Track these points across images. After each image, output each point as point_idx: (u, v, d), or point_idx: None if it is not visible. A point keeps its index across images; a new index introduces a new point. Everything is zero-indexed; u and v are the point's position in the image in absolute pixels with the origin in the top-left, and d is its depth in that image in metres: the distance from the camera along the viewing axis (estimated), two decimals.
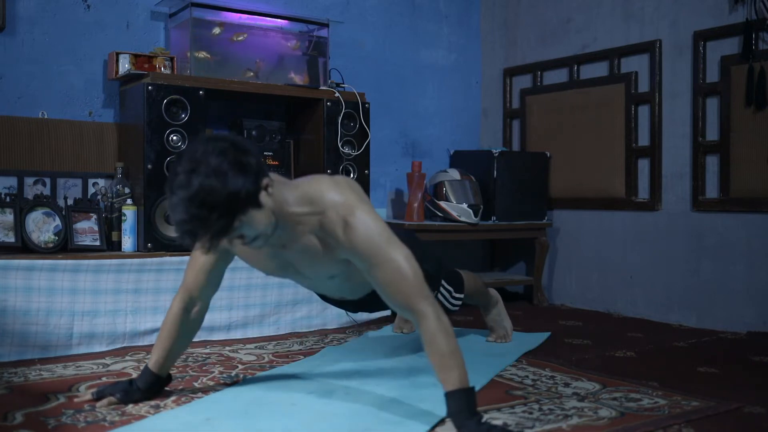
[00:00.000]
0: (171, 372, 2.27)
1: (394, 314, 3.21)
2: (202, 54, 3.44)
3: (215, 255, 2.09)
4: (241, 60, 3.61)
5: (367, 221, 1.88)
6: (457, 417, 1.84)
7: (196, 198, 1.65)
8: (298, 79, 3.71)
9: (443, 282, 2.69)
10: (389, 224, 2.00)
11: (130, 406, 2.11)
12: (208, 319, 3.11)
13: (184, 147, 3.15)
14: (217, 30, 3.50)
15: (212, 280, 2.17)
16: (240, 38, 3.54)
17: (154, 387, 2.19)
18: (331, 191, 1.91)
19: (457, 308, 2.78)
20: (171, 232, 3.16)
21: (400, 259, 1.88)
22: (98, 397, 2.13)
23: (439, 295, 2.67)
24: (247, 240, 1.80)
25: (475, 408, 1.85)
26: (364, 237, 1.87)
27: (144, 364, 2.25)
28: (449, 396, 1.85)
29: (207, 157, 1.67)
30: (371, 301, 2.31)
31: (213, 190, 1.65)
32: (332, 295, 2.39)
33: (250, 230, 1.76)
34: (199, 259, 2.12)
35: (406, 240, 2.34)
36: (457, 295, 2.75)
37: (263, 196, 1.75)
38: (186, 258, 3.05)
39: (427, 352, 1.89)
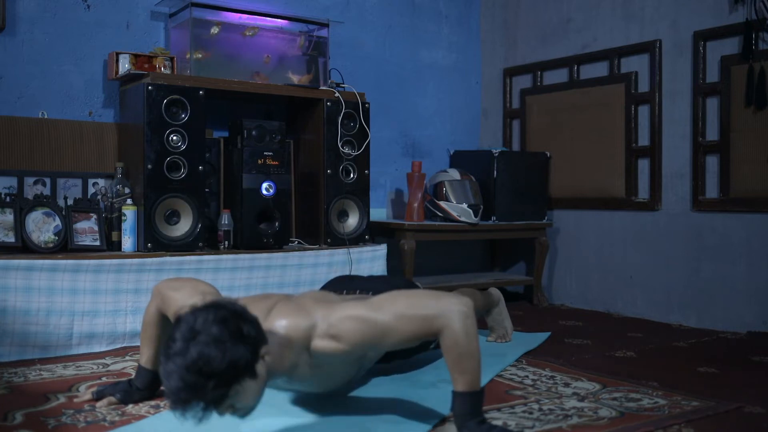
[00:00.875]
0: None
1: None
2: (198, 54, 3.44)
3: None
4: (241, 59, 3.61)
5: (345, 321, 1.85)
6: (460, 418, 1.84)
7: (194, 366, 1.58)
8: (296, 78, 3.71)
9: None
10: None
11: (130, 406, 2.12)
12: None
13: (184, 147, 3.15)
14: (214, 29, 3.49)
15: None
16: (250, 33, 3.53)
17: (152, 384, 2.19)
18: (303, 318, 1.87)
19: None
20: (171, 232, 3.16)
21: (389, 320, 1.83)
22: (98, 397, 2.14)
23: None
24: (234, 411, 1.72)
25: (481, 411, 1.84)
26: (356, 332, 1.84)
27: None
28: (457, 396, 1.84)
29: (207, 326, 1.63)
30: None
31: (212, 359, 1.59)
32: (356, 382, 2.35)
33: (239, 402, 1.69)
34: (197, 288, 2.09)
35: (383, 287, 2.37)
36: None
37: (259, 365, 1.70)
38: (186, 258, 3.07)
39: (443, 348, 1.85)
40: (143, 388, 2.17)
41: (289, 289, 3.33)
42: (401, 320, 1.83)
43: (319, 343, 1.85)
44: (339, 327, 1.84)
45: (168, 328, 2.15)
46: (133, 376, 2.25)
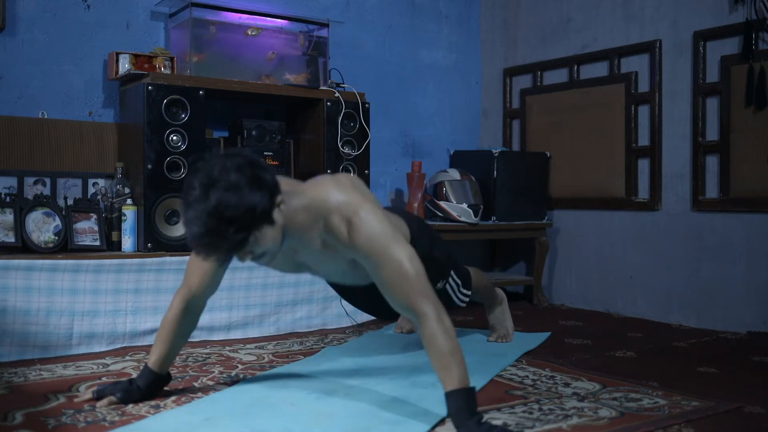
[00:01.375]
0: (170, 371, 2.27)
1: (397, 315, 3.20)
2: (195, 58, 3.42)
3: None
4: (241, 59, 3.61)
5: (370, 221, 1.92)
6: (456, 416, 1.84)
7: (215, 212, 1.68)
8: (291, 78, 3.70)
9: (452, 273, 2.68)
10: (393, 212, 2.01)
11: (130, 406, 2.11)
12: (208, 319, 3.13)
13: (184, 147, 3.15)
14: (212, 29, 3.49)
15: (215, 281, 2.21)
16: (253, 33, 3.53)
17: (154, 386, 2.19)
18: (334, 193, 1.96)
19: (464, 304, 2.80)
20: (171, 232, 3.16)
21: (403, 258, 1.91)
22: (98, 396, 2.14)
23: (448, 287, 2.67)
24: (254, 257, 1.84)
25: (475, 407, 1.85)
26: (367, 237, 1.91)
27: (144, 364, 2.25)
28: (449, 396, 1.86)
29: (225, 173, 1.71)
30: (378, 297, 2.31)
31: (231, 204, 1.69)
32: (346, 282, 2.36)
33: (259, 247, 1.80)
34: (199, 261, 2.11)
35: (418, 226, 2.40)
36: (465, 291, 2.76)
37: (276, 213, 1.80)
38: (186, 258, 3.05)
39: (428, 351, 1.90)
40: (144, 388, 2.17)
41: (289, 289, 3.33)
42: (399, 273, 1.89)
43: (335, 221, 1.93)
44: (359, 223, 1.91)
45: (187, 330, 2.23)
46: (134, 376, 2.25)
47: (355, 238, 1.91)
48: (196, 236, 1.73)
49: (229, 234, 1.70)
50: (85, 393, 2.20)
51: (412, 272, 1.90)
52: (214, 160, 1.75)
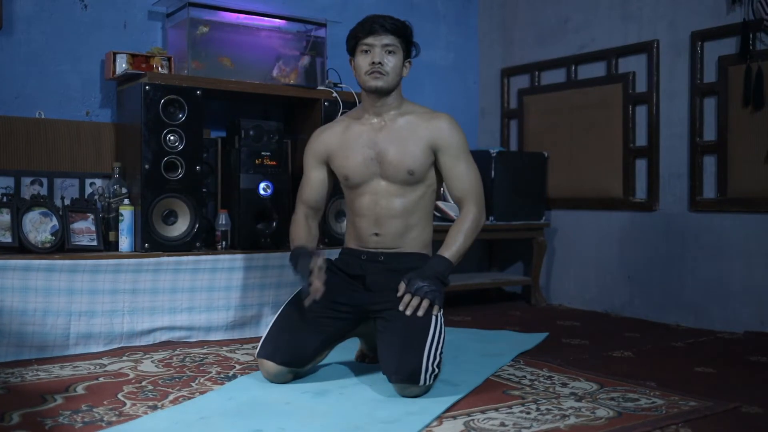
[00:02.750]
0: (170, 371, 2.25)
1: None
2: (194, 64, 3.41)
3: (322, 174, 2.61)
4: (240, 59, 3.60)
5: (461, 131, 2.49)
6: (432, 270, 2.34)
7: (390, 16, 2.48)
8: (294, 78, 3.70)
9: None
10: None
11: (129, 405, 2.11)
12: (206, 319, 3.13)
13: (181, 146, 3.15)
14: (204, 29, 3.48)
15: (322, 194, 2.64)
16: (204, 30, 3.49)
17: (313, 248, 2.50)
18: (450, 120, 2.51)
19: (423, 384, 2.25)
20: (168, 232, 3.15)
21: (474, 165, 2.47)
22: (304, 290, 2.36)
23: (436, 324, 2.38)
24: (379, 66, 2.42)
25: (447, 275, 2.37)
26: (455, 132, 2.46)
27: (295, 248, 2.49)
28: (436, 257, 2.38)
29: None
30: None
31: (400, 20, 2.50)
32: (388, 223, 2.50)
33: (388, 60, 2.44)
34: (310, 178, 2.61)
35: None
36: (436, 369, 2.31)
37: (406, 63, 2.53)
38: (183, 258, 3.07)
39: (454, 224, 2.44)
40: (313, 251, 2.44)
41: (286, 290, 3.33)
42: (469, 172, 2.47)
43: (442, 121, 2.48)
44: (458, 130, 2.49)
45: (313, 229, 2.61)
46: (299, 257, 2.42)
47: (451, 133, 2.45)
48: (373, 16, 2.46)
49: (392, 23, 2.44)
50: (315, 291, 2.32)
51: (478, 177, 2.48)
52: None
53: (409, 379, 2.18)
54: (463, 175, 2.45)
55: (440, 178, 2.54)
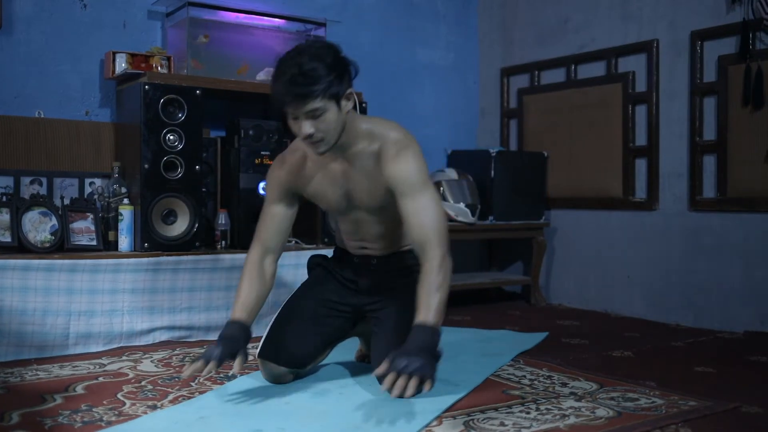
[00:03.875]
0: (170, 371, 2.26)
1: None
2: (193, 63, 3.41)
3: (283, 209, 2.33)
4: (239, 59, 3.60)
5: (415, 159, 2.17)
6: (416, 346, 2.01)
7: (299, 69, 2.00)
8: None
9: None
10: None
11: (128, 405, 2.11)
12: (205, 318, 3.13)
13: (181, 146, 3.15)
14: (204, 39, 3.48)
15: (281, 233, 2.35)
16: (204, 39, 3.51)
17: (245, 336, 2.19)
18: (396, 131, 2.22)
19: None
20: (168, 231, 3.15)
21: (434, 197, 2.17)
22: (204, 359, 2.09)
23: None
24: (315, 136, 2.07)
25: (436, 345, 2.06)
26: (407, 168, 2.15)
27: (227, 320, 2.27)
28: (417, 327, 2.06)
29: (314, 47, 2.09)
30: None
31: (313, 67, 2.03)
32: (376, 231, 2.38)
33: (322, 124, 2.06)
34: (269, 214, 2.33)
35: None
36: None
37: (344, 103, 2.10)
38: (183, 258, 3.07)
39: (422, 279, 2.10)
40: (242, 338, 2.17)
41: (285, 290, 3.32)
42: (425, 206, 2.14)
43: (388, 148, 2.17)
44: (406, 156, 2.16)
45: (264, 281, 2.32)
46: (215, 343, 2.19)
47: (398, 166, 2.15)
48: (280, 85, 2.02)
49: (304, 84, 2.00)
50: (187, 369, 2.10)
51: (440, 213, 2.17)
52: (310, 41, 2.16)
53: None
54: (420, 214, 2.13)
55: None
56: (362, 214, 2.34)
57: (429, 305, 2.07)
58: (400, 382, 1.96)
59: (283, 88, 2.03)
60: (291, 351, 2.34)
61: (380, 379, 2.04)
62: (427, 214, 2.13)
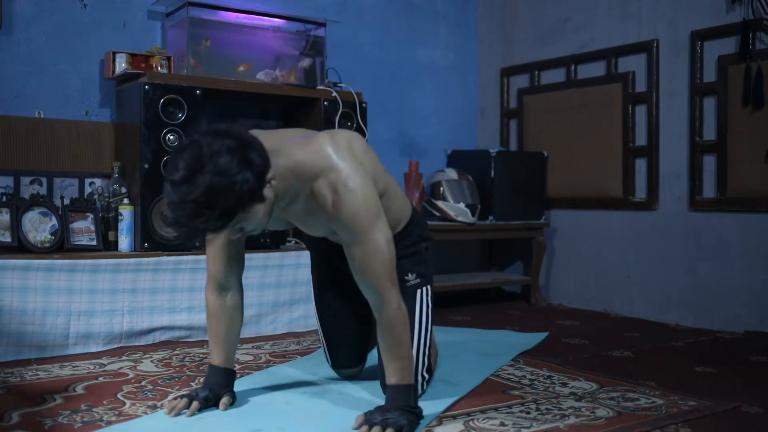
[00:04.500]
0: (169, 372, 2.26)
1: None
2: (192, 61, 3.41)
3: (227, 237, 2.02)
4: (239, 59, 3.60)
5: (356, 195, 1.88)
6: (392, 406, 1.90)
7: (202, 197, 1.61)
8: (280, 76, 3.69)
9: (429, 287, 2.32)
10: None
11: (128, 405, 2.11)
12: (206, 318, 3.12)
13: (180, 143, 3.14)
14: (206, 43, 3.48)
15: (234, 261, 2.10)
16: (243, 69, 3.53)
17: (229, 380, 2.14)
18: (325, 157, 1.90)
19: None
20: (168, 232, 3.15)
21: (382, 241, 1.90)
22: (188, 399, 2.05)
23: (419, 294, 2.27)
24: (246, 232, 1.81)
25: (414, 403, 1.93)
26: (350, 212, 1.88)
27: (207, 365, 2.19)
28: (389, 389, 1.94)
29: (213, 156, 1.63)
30: None
31: (220, 188, 1.62)
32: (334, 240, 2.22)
33: (249, 224, 1.76)
34: (215, 245, 2.06)
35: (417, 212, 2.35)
36: (425, 374, 2.27)
37: (266, 189, 1.73)
38: (183, 258, 3.07)
39: (380, 336, 1.95)
40: (226, 385, 2.11)
41: (286, 289, 3.33)
42: (373, 254, 1.89)
43: (321, 188, 1.88)
44: (346, 195, 1.86)
45: (234, 319, 2.14)
46: (198, 385, 2.21)
47: (339, 211, 1.88)
48: (180, 220, 1.65)
49: (213, 218, 1.64)
50: (170, 407, 2.04)
51: (387, 257, 1.91)
52: (202, 140, 1.65)
53: None
54: (366, 262, 1.91)
55: (388, 183, 2.20)
56: (328, 237, 2.16)
57: (396, 367, 1.92)
58: (375, 429, 1.84)
59: (189, 225, 1.66)
60: (356, 350, 2.42)
61: None
62: (375, 260, 1.90)
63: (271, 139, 1.87)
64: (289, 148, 1.90)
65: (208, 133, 1.68)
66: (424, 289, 2.26)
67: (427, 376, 2.23)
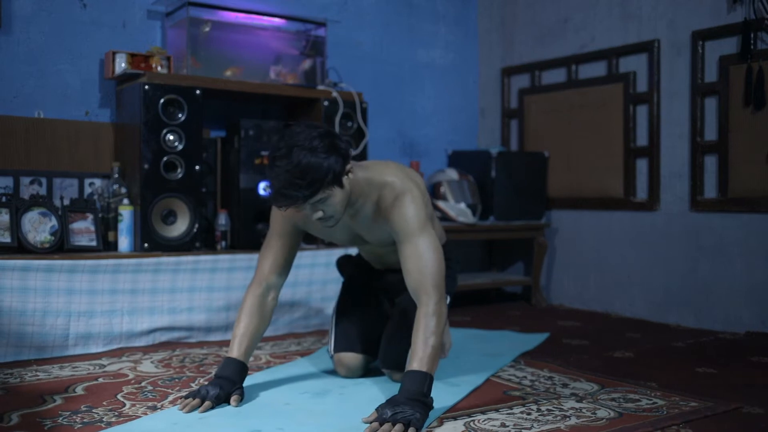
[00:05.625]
0: (170, 372, 2.26)
1: None
2: (230, 71, 3.44)
3: (288, 240, 2.31)
4: (239, 59, 3.60)
5: (413, 205, 2.16)
6: (404, 396, 1.96)
7: (296, 169, 1.95)
8: (291, 77, 3.70)
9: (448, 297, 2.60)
10: None
11: (128, 406, 2.10)
12: (206, 319, 3.12)
13: (181, 146, 3.15)
14: (206, 28, 3.47)
15: (287, 264, 2.34)
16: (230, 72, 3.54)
17: (241, 376, 2.20)
18: (392, 176, 2.21)
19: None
20: (168, 232, 3.15)
21: (431, 244, 2.14)
22: (197, 397, 2.10)
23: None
24: (324, 217, 2.07)
25: (428, 391, 1.99)
26: (405, 215, 2.15)
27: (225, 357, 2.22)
28: (406, 375, 2.00)
29: (307, 138, 1.99)
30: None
31: (310, 164, 1.96)
32: (391, 261, 2.49)
33: (328, 206, 2.05)
34: (273, 247, 2.31)
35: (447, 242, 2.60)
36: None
37: (345, 179, 2.07)
38: (183, 258, 3.06)
39: (414, 327, 2.07)
40: (236, 379, 2.17)
41: (286, 290, 3.32)
42: (421, 254, 2.12)
43: (386, 194, 2.18)
44: (404, 202, 2.16)
45: (266, 320, 2.30)
46: (210, 379, 2.25)
47: (395, 214, 2.16)
48: (279, 188, 1.98)
49: (303, 187, 1.96)
50: (184, 405, 2.08)
51: (436, 259, 2.13)
52: (297, 128, 2.03)
53: (395, 366, 2.39)
54: (415, 260, 2.12)
55: (434, 214, 2.48)
56: (377, 248, 2.44)
57: (422, 353, 2.01)
58: (385, 427, 1.87)
59: (283, 192, 1.99)
60: (365, 336, 2.48)
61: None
62: (422, 261, 2.11)
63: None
64: (366, 163, 2.28)
65: (303, 124, 2.06)
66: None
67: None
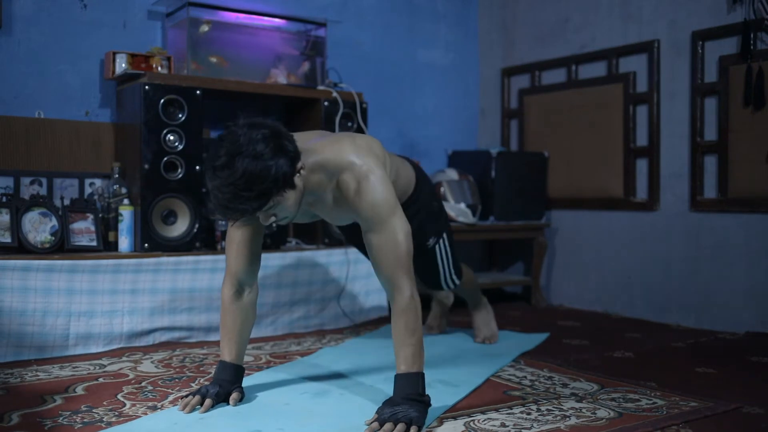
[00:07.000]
0: (170, 372, 2.26)
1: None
2: (215, 58, 3.43)
3: (249, 231, 2.15)
4: (239, 59, 3.60)
5: (377, 188, 2.02)
6: (400, 396, 1.95)
7: (240, 180, 1.78)
8: (293, 78, 3.70)
9: (444, 236, 2.73)
10: None
11: (128, 406, 2.11)
12: (206, 319, 3.12)
13: (181, 146, 3.15)
14: (205, 27, 3.48)
15: (254, 259, 2.20)
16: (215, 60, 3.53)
17: (239, 376, 2.19)
18: (350, 154, 2.05)
19: (448, 290, 2.93)
20: (168, 232, 3.15)
21: (399, 231, 2.02)
22: (200, 396, 2.10)
23: (438, 248, 2.71)
24: (277, 219, 1.95)
25: (422, 390, 1.97)
26: (370, 202, 2.02)
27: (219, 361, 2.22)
28: (397, 378, 1.98)
29: (250, 143, 1.81)
30: None
31: (256, 172, 1.79)
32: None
33: (281, 211, 1.92)
34: (234, 241, 2.16)
35: (422, 174, 2.57)
36: (455, 278, 2.83)
37: (297, 178, 1.90)
38: (183, 259, 3.06)
39: (394, 324, 2.01)
40: (233, 381, 2.17)
41: (286, 290, 3.32)
42: (390, 242, 2.01)
43: (346, 179, 2.03)
44: (367, 187, 2.01)
45: (248, 317, 2.23)
46: (208, 381, 2.25)
47: (360, 201, 2.02)
48: (222, 202, 1.82)
49: (252, 199, 1.80)
50: (185, 405, 2.08)
51: (404, 247, 2.01)
52: (240, 129, 1.84)
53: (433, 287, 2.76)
54: (383, 249, 2.02)
55: (399, 168, 2.38)
56: (348, 225, 2.33)
57: (406, 354, 1.98)
58: (387, 426, 1.86)
59: (229, 206, 1.82)
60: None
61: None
62: (392, 250, 2.00)
63: (297, 139, 1.99)
64: (316, 146, 2.06)
65: (245, 124, 1.86)
66: (441, 242, 2.66)
67: (457, 281, 2.81)
